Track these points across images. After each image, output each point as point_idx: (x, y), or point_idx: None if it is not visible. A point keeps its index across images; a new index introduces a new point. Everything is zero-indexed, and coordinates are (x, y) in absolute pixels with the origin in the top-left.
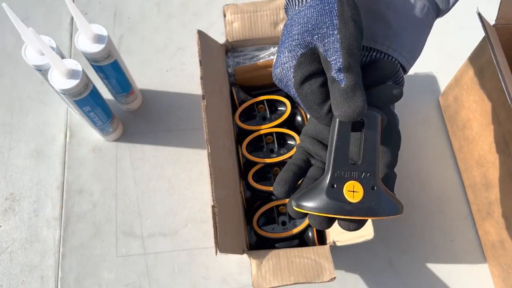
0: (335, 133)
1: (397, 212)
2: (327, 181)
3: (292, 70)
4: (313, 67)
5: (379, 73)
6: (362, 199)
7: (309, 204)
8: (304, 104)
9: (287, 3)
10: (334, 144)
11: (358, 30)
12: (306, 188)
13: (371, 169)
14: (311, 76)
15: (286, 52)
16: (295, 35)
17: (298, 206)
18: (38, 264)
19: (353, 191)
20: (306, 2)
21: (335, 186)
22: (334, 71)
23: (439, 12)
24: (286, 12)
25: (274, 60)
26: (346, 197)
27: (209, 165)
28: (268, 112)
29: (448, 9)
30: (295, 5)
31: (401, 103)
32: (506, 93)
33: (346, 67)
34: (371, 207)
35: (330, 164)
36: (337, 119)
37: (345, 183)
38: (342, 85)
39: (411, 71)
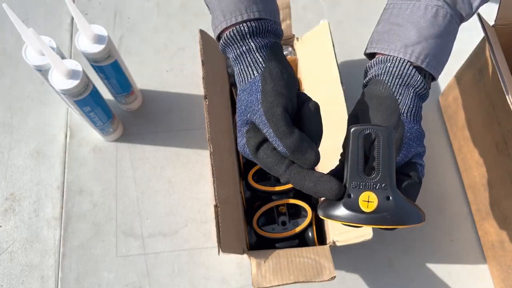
0: (350, 147)
1: (414, 222)
2: (345, 191)
3: (245, 146)
4: (258, 138)
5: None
6: (376, 209)
7: (330, 213)
8: (264, 168)
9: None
10: (350, 158)
11: (281, 97)
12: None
13: (386, 181)
14: (261, 145)
15: (239, 134)
16: (238, 116)
17: (325, 215)
18: (38, 264)
19: (367, 201)
20: (241, 86)
21: (351, 196)
22: (273, 142)
23: (462, 17)
24: None
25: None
26: (361, 206)
27: (212, 164)
28: None
29: (472, 13)
30: (238, 88)
31: None
32: (506, 93)
33: (278, 135)
34: (384, 217)
35: (347, 176)
36: (351, 134)
37: (361, 193)
38: (288, 154)
39: None
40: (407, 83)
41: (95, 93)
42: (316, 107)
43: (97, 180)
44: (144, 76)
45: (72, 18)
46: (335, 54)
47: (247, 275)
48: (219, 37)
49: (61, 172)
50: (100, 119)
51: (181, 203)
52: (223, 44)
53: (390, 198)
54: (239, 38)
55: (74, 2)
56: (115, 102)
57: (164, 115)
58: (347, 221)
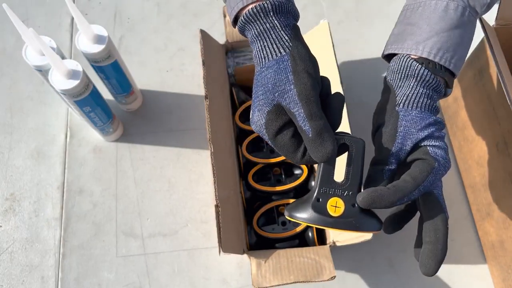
0: None
1: (374, 229)
2: (314, 195)
3: (263, 127)
4: (280, 121)
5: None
6: (342, 214)
7: (298, 215)
8: (281, 152)
9: (254, 62)
10: (322, 164)
11: (312, 80)
12: (298, 200)
13: (353, 189)
14: (281, 130)
15: (256, 112)
16: (260, 95)
17: (290, 215)
18: (38, 264)
19: (335, 206)
20: (264, 63)
21: (320, 200)
22: (300, 121)
23: (478, 8)
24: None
25: (250, 117)
26: (329, 211)
27: (212, 164)
28: None
29: (487, 4)
30: (258, 65)
31: None
32: (505, 93)
33: (309, 116)
34: (350, 222)
35: (317, 181)
36: None
37: (329, 198)
38: (310, 135)
39: None
40: (406, 74)
41: (95, 93)
42: (343, 100)
43: (97, 180)
44: (144, 76)
45: (72, 18)
46: (335, 54)
47: (247, 275)
48: (236, 19)
49: (61, 172)
50: (100, 119)
51: (181, 203)
52: (244, 21)
53: (356, 205)
54: (262, 15)
55: (74, 2)
56: (115, 102)
57: (164, 115)
58: (315, 224)
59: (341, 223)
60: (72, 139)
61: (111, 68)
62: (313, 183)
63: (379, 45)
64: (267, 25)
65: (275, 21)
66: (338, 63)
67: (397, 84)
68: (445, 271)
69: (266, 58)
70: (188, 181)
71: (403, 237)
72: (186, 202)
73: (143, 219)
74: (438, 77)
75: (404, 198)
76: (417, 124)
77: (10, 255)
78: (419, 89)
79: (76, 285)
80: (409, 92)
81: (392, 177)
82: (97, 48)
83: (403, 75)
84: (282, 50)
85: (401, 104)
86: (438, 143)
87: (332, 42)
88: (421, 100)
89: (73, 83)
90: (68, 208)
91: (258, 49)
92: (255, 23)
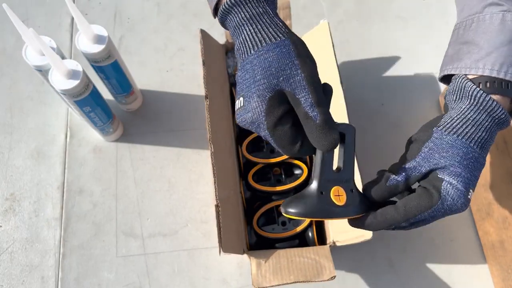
0: None
1: (370, 210)
2: (316, 188)
3: (263, 114)
4: (282, 108)
5: None
6: (346, 202)
7: (301, 210)
8: (277, 144)
9: (239, 47)
10: (321, 155)
11: (315, 65)
12: (295, 196)
13: (349, 174)
14: (282, 118)
15: (255, 97)
16: (260, 79)
17: (287, 212)
18: (38, 264)
19: (338, 195)
20: (262, 46)
21: (323, 193)
22: (306, 107)
23: None
24: (237, 55)
25: (240, 105)
26: (334, 201)
27: (212, 164)
28: None
29: None
30: (251, 48)
31: (401, 103)
32: None
33: (317, 102)
34: (354, 207)
35: (318, 172)
36: None
37: (331, 188)
38: (317, 121)
39: (411, 72)
40: (460, 96)
41: (95, 93)
42: (331, 91)
43: (97, 180)
44: (144, 76)
45: (72, 18)
46: (335, 54)
47: (247, 275)
48: (216, 7)
49: (61, 172)
50: (100, 119)
51: (181, 203)
52: (231, 4)
53: (353, 190)
54: None
55: (74, 2)
56: (115, 102)
57: (164, 115)
58: (324, 217)
59: (347, 211)
60: (72, 139)
61: (111, 68)
62: None
63: (379, 45)
64: (260, 9)
65: (267, 7)
66: (338, 63)
67: (451, 105)
68: (445, 271)
69: (263, 41)
70: (188, 181)
71: (403, 237)
72: (186, 202)
73: (143, 219)
74: (493, 100)
75: (392, 226)
76: (443, 150)
77: (10, 255)
78: (469, 113)
79: (76, 285)
80: (456, 116)
81: (396, 188)
82: (97, 48)
83: (457, 96)
84: (280, 35)
85: (441, 126)
86: (455, 181)
87: (332, 42)
88: (464, 127)
89: (73, 83)
90: (68, 208)
91: (250, 32)
92: (245, 6)
